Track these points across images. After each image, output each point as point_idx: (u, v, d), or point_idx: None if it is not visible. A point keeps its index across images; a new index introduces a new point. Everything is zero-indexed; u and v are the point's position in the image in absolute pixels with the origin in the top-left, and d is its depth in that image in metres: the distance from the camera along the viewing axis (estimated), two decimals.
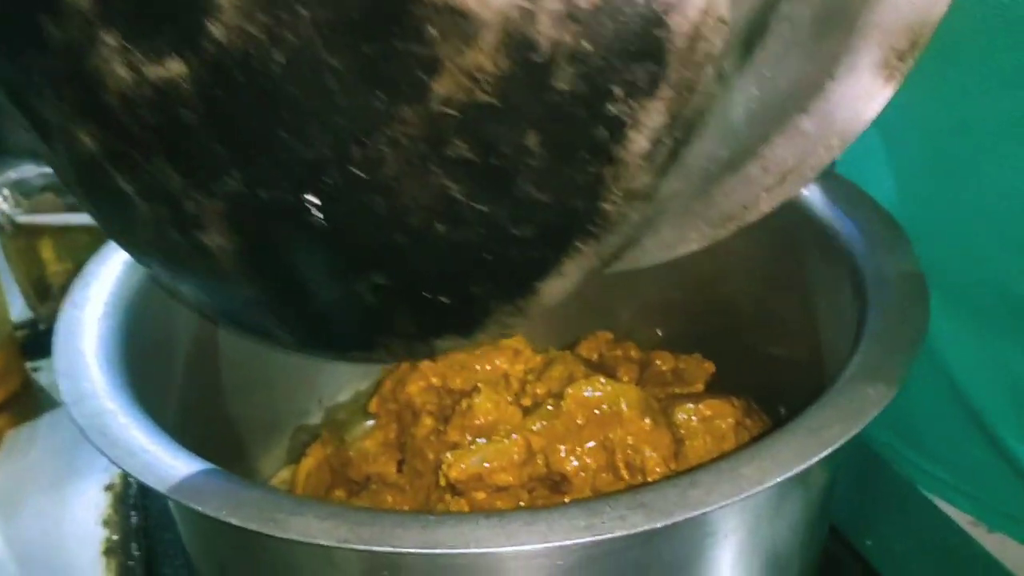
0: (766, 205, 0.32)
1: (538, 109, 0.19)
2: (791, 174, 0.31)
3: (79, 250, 0.68)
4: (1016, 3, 0.40)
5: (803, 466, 0.26)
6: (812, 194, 0.41)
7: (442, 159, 0.20)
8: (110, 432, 0.29)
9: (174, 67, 0.21)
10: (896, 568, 0.46)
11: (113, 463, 0.28)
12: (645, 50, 0.18)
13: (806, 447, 0.27)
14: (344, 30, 0.19)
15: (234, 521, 0.25)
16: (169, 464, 0.28)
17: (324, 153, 0.20)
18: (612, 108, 0.19)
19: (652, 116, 0.19)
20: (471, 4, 0.18)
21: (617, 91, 0.19)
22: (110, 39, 0.21)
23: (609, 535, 0.24)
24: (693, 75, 0.19)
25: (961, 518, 0.51)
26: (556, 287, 0.22)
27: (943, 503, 0.52)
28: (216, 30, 0.19)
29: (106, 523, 0.52)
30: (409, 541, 0.24)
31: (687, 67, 0.19)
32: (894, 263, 0.35)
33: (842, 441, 0.27)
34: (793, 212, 0.41)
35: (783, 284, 0.45)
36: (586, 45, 0.18)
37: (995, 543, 0.49)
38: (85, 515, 0.52)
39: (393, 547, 0.24)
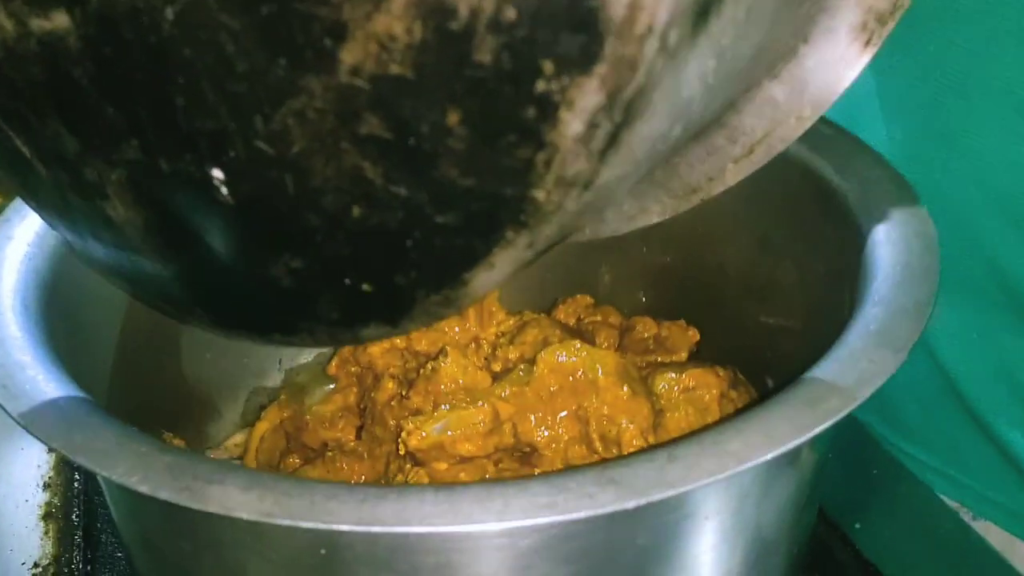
0: (732, 177, 0.31)
1: (458, 84, 0.17)
2: (759, 145, 0.30)
3: None
4: None
5: (797, 442, 0.23)
6: (811, 148, 0.38)
7: (354, 136, 0.18)
8: (14, 383, 0.26)
9: (59, 20, 0.19)
10: (885, 552, 0.43)
11: (14, 420, 0.24)
12: (577, 20, 0.16)
13: (801, 421, 0.23)
14: None
15: (144, 489, 0.22)
16: (78, 424, 0.24)
17: (226, 124, 0.19)
18: (541, 85, 0.17)
19: (587, 96, 0.17)
20: None
21: (547, 67, 0.17)
22: None
23: (574, 515, 0.21)
24: (633, 50, 0.17)
25: (947, 503, 0.49)
26: (486, 278, 0.20)
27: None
28: None
29: (47, 486, 0.48)
30: (344, 517, 0.21)
31: (626, 41, 0.16)
32: (901, 220, 0.32)
33: (842, 415, 0.24)
34: (791, 168, 0.38)
35: (777, 247, 0.41)
36: (510, 13, 0.16)
37: (979, 530, 0.47)
38: (25, 477, 0.49)
39: (325, 523, 0.21)
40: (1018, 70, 0.41)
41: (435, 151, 0.18)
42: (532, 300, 0.51)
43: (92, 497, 0.46)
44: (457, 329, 0.43)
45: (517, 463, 0.37)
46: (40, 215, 0.26)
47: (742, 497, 0.27)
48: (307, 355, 0.50)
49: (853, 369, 0.25)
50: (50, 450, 0.50)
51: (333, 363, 0.45)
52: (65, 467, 0.49)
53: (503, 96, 0.17)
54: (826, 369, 0.25)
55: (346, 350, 0.44)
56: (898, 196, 0.33)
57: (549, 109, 0.17)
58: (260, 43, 0.17)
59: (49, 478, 0.48)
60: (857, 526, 0.44)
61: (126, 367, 0.38)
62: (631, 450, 0.35)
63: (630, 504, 0.21)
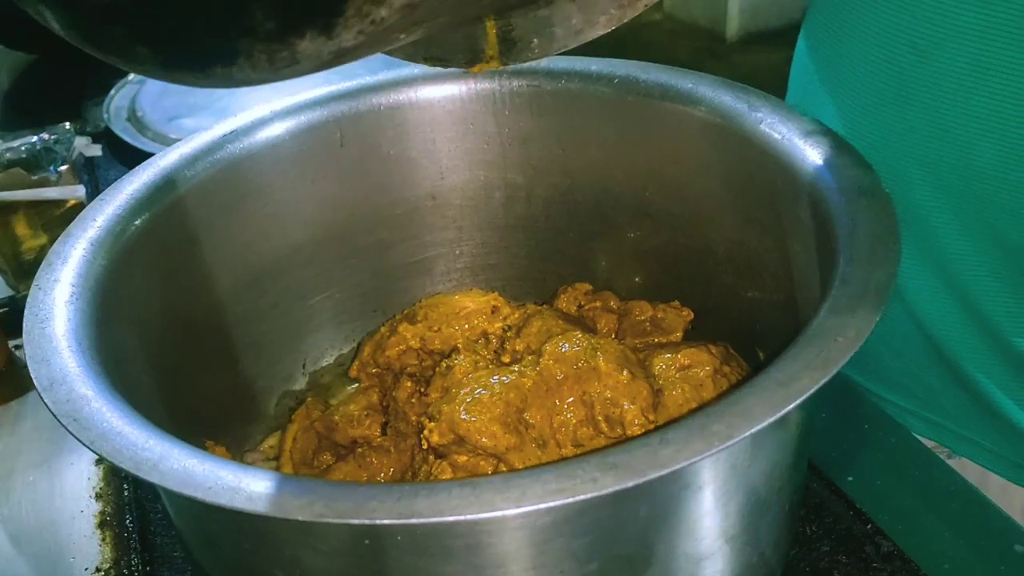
0: None
1: None
2: None
3: (53, 224, 0.67)
4: None
5: (771, 418, 0.26)
6: (788, 137, 0.41)
7: None
8: (82, 416, 0.29)
9: None
10: (878, 503, 0.46)
11: (87, 447, 0.28)
12: None
13: (775, 399, 0.27)
14: None
15: (208, 500, 0.25)
16: (143, 446, 0.28)
17: None
18: None
19: None
20: None
21: None
22: None
23: (582, 496, 0.25)
24: None
25: (927, 443, 0.52)
26: None
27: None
28: None
29: (99, 496, 0.52)
30: (384, 513, 0.25)
31: None
32: (864, 205, 0.35)
33: (810, 392, 0.27)
34: (763, 154, 0.41)
35: (758, 226, 0.44)
36: None
37: (956, 466, 0.50)
38: (78, 489, 0.53)
39: (369, 519, 0.25)
40: (972, 31, 0.43)
41: None
42: (534, 291, 0.54)
43: (143, 503, 0.50)
44: (467, 327, 0.47)
45: (533, 447, 0.40)
46: None
47: (732, 467, 0.30)
48: (329, 358, 0.54)
49: (822, 349, 0.28)
50: (98, 462, 0.54)
51: (355, 365, 0.48)
52: (114, 477, 0.53)
53: None
54: (798, 351, 0.29)
55: (365, 355, 0.48)
56: (863, 180, 0.36)
57: None
58: None
59: (100, 488, 0.52)
60: (850, 479, 0.48)
61: (168, 384, 0.41)
62: (634, 429, 0.39)
63: (629, 484, 0.25)
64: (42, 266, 0.36)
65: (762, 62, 2.60)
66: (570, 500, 0.24)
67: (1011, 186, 0.46)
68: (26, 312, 0.34)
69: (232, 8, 0.21)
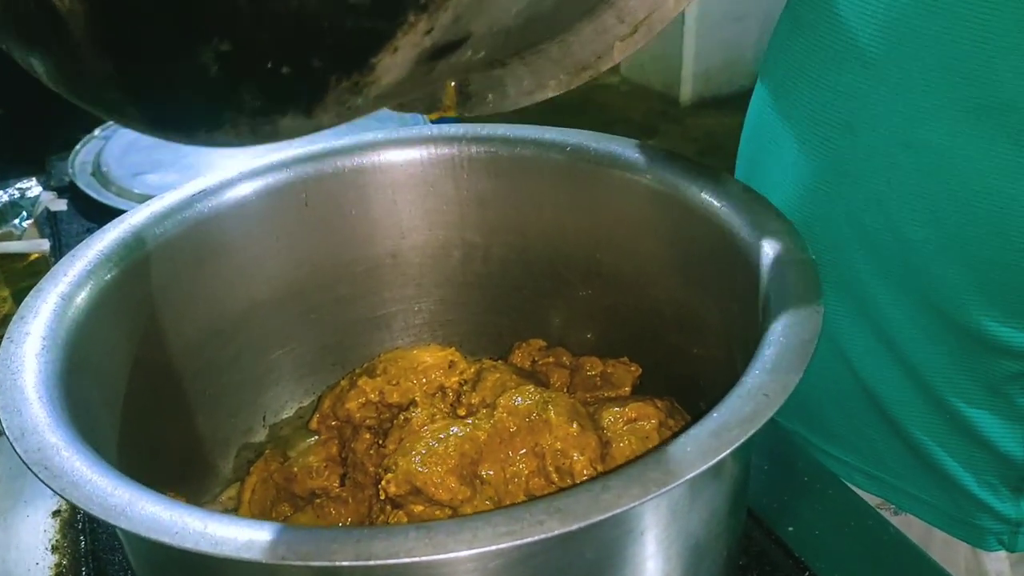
0: (619, 54, 0.33)
1: None
2: (642, 25, 0.32)
3: (15, 276, 0.68)
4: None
5: (705, 467, 0.29)
6: (726, 205, 0.44)
7: None
8: (53, 465, 0.30)
9: None
10: (817, 553, 0.49)
11: (58, 495, 0.29)
12: None
13: (708, 449, 0.29)
14: None
15: (175, 544, 0.27)
16: (111, 493, 0.29)
17: None
18: None
19: None
20: None
21: None
22: None
23: (529, 539, 0.27)
24: None
25: (869, 501, 0.54)
26: (390, 64, 0.23)
27: (854, 487, 0.55)
28: None
29: (55, 548, 0.52)
30: (345, 555, 0.26)
31: None
32: (792, 270, 0.37)
33: (740, 442, 0.29)
34: (708, 222, 0.44)
35: (700, 288, 0.47)
36: None
37: (900, 524, 0.53)
38: (33, 541, 0.53)
39: (330, 561, 0.26)
40: (901, 113, 0.47)
41: None
42: (490, 346, 0.57)
43: (100, 555, 0.50)
44: (424, 380, 0.48)
45: (483, 498, 0.42)
46: None
47: (671, 512, 0.33)
48: (289, 410, 0.55)
49: (750, 403, 0.31)
50: (55, 514, 0.54)
51: (315, 418, 0.49)
52: (70, 529, 0.53)
53: None
54: (730, 404, 0.31)
55: (325, 407, 0.49)
56: (792, 248, 0.39)
57: None
58: None
59: (56, 540, 0.52)
60: (790, 529, 0.50)
61: (131, 434, 0.42)
62: (583, 478, 0.41)
63: (573, 527, 0.27)
64: (14, 319, 0.38)
65: (714, 125, 2.70)
66: (518, 542, 0.26)
67: (940, 256, 0.49)
68: None
69: (223, 87, 0.23)
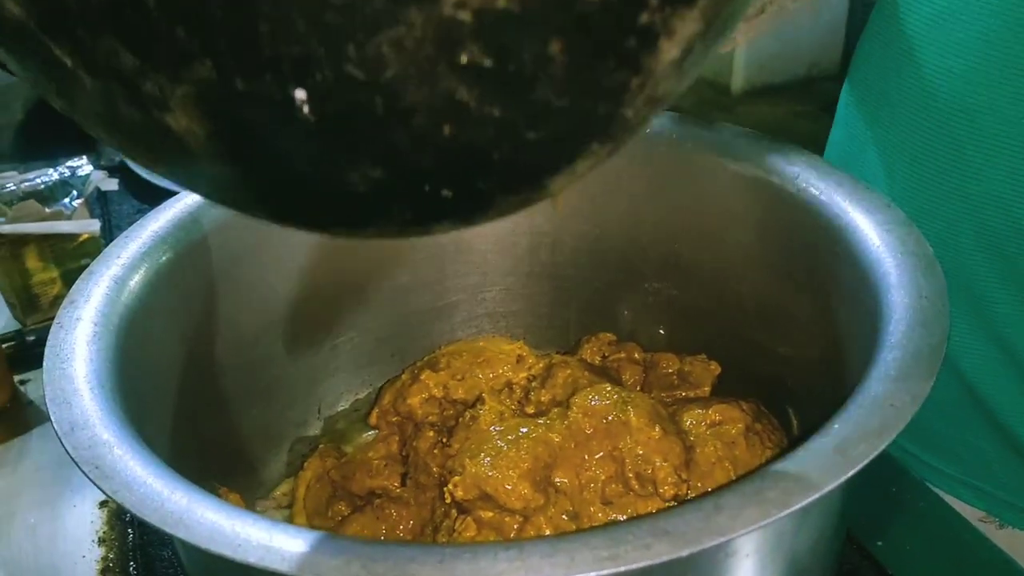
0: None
1: (564, 17, 0.17)
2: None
3: (64, 257, 0.66)
4: None
5: (830, 487, 0.25)
6: (827, 192, 0.40)
7: (452, 64, 0.18)
8: (105, 464, 0.28)
9: None
10: (908, 568, 0.45)
11: (109, 497, 0.27)
12: None
13: (832, 467, 0.26)
14: None
15: (237, 559, 0.24)
16: (167, 497, 0.27)
17: (315, 51, 0.18)
18: (645, 17, 0.17)
19: (687, 25, 0.18)
20: None
21: (652, 1, 0.17)
22: None
23: (634, 565, 0.23)
24: None
25: (971, 514, 0.51)
26: (566, 181, 0.21)
27: (953, 499, 0.51)
28: None
29: (102, 541, 0.50)
30: (425, 575, 0.23)
31: None
32: (912, 265, 0.34)
33: (868, 460, 0.26)
34: (807, 210, 0.41)
35: (792, 282, 0.44)
36: None
37: (1005, 538, 0.49)
38: (80, 533, 0.51)
39: None
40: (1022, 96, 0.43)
41: (534, 76, 0.18)
42: (556, 339, 0.53)
43: (148, 549, 0.48)
44: (491, 375, 0.45)
45: (558, 505, 0.39)
46: (75, 120, 0.24)
47: (779, 535, 0.29)
48: (344, 403, 0.53)
49: (876, 415, 0.27)
50: (102, 505, 0.52)
51: (374, 413, 0.47)
52: (118, 521, 0.51)
53: (607, 27, 0.17)
54: (852, 415, 0.28)
55: (385, 402, 0.46)
56: (909, 241, 0.35)
57: (650, 39, 0.18)
58: None
59: (104, 532, 0.50)
60: (879, 543, 0.46)
61: (183, 428, 0.40)
62: (666, 487, 0.37)
63: (684, 553, 0.24)
64: (64, 303, 0.35)
65: (766, 115, 2.63)
66: (622, 569, 0.23)
67: None
68: (47, 351, 0.33)
69: (370, 205, 0.21)
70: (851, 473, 0.26)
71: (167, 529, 0.26)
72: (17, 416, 0.59)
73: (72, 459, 0.28)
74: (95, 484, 0.27)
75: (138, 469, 0.28)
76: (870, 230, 0.36)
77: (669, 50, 0.18)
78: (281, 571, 0.24)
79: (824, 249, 0.39)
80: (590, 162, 0.21)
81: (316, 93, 0.19)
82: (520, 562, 0.23)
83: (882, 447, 0.26)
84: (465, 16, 0.17)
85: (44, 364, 0.32)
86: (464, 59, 0.18)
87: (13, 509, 0.53)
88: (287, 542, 0.25)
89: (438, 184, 0.20)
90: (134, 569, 0.48)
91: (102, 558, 0.49)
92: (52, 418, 0.30)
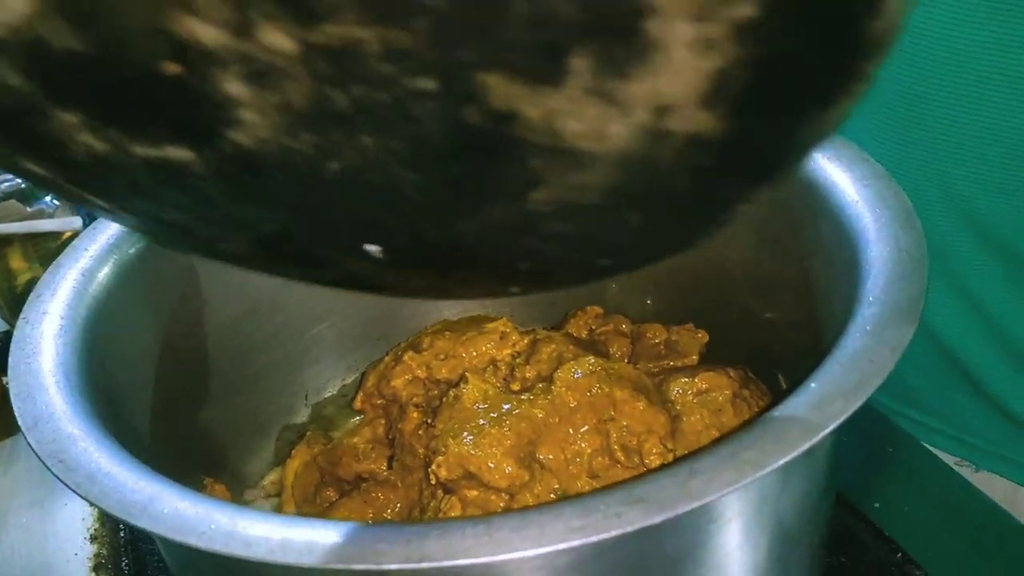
0: None
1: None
2: None
3: (49, 256, 0.66)
4: None
5: (807, 445, 0.24)
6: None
7: (535, 234, 0.19)
8: (68, 457, 0.27)
9: (177, 153, 0.16)
10: (905, 528, 0.44)
11: (73, 491, 0.26)
12: None
13: (809, 424, 0.25)
14: (422, 157, 0.16)
15: (201, 546, 0.24)
16: (132, 488, 0.26)
17: (392, 229, 0.18)
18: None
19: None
20: (585, 145, 0.15)
21: None
22: (70, 117, 0.16)
23: (607, 534, 0.23)
24: None
25: (947, 459, 0.51)
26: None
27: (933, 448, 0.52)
28: (240, 137, 0.16)
29: (94, 538, 0.50)
30: (393, 557, 0.23)
31: None
32: (889, 218, 0.33)
33: (846, 416, 0.25)
34: None
35: (777, 246, 0.43)
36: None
37: (981, 480, 0.49)
38: (72, 531, 0.51)
39: (376, 564, 0.23)
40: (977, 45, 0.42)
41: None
42: (543, 316, 0.53)
43: (139, 545, 0.48)
44: (474, 354, 0.45)
45: (543, 481, 0.38)
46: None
47: (762, 497, 0.28)
48: (331, 389, 0.52)
49: (855, 371, 0.27)
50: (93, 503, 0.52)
51: (359, 398, 0.46)
52: (109, 519, 0.51)
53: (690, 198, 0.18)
54: (829, 372, 0.27)
55: (369, 385, 0.46)
56: (886, 194, 0.34)
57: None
58: (443, 188, 0.17)
59: (95, 530, 0.50)
60: (876, 506, 0.46)
61: (163, 420, 0.39)
62: (652, 458, 0.37)
63: (657, 519, 0.23)
64: (30, 298, 0.35)
65: None
66: (593, 539, 0.23)
67: (1021, 197, 0.45)
68: (12, 346, 0.32)
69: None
70: (829, 430, 0.25)
71: (131, 520, 0.25)
72: (7, 417, 0.59)
73: (35, 453, 0.27)
74: (58, 478, 0.27)
75: (103, 461, 0.27)
76: (848, 186, 0.35)
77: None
78: (245, 557, 0.23)
79: (802, 207, 0.38)
80: None
81: (390, 251, 0.19)
82: (488, 537, 0.23)
83: (860, 402, 0.26)
84: (548, 208, 0.17)
85: (9, 360, 0.32)
86: (545, 232, 0.18)
87: (5, 509, 0.53)
88: (252, 527, 0.24)
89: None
90: (126, 565, 0.47)
91: (94, 555, 0.49)
92: (16, 412, 0.29)
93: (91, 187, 0.19)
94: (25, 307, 0.35)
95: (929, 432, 0.55)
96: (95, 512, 0.51)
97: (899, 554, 0.43)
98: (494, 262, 0.20)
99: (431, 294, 0.25)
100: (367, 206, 0.17)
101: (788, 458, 0.24)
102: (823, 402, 0.26)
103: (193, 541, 0.24)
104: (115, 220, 0.23)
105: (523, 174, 0.16)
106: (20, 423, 0.29)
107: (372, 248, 0.19)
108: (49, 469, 0.27)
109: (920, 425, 0.55)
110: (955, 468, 0.50)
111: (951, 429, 0.55)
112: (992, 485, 0.51)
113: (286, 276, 0.24)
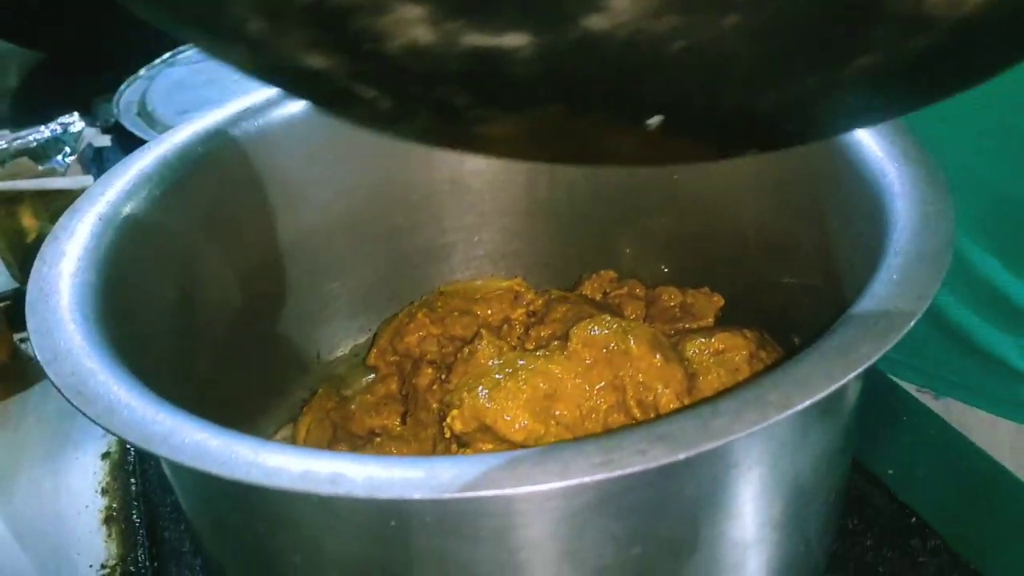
0: None
1: None
2: None
3: (60, 215, 0.65)
4: None
5: (832, 388, 0.24)
6: None
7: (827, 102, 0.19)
8: (87, 390, 0.27)
9: (512, 40, 0.16)
10: (920, 494, 0.44)
11: (93, 421, 0.26)
12: None
13: (834, 368, 0.25)
14: (775, 31, 0.16)
15: (223, 475, 0.23)
16: (152, 419, 0.26)
17: (690, 103, 0.18)
18: None
19: None
20: (939, 11, 0.15)
21: None
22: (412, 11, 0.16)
23: (629, 470, 0.23)
24: None
25: (908, 387, 0.53)
26: None
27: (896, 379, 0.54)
28: (596, 22, 0.15)
29: (105, 491, 0.50)
30: (418, 487, 0.23)
31: None
32: (912, 170, 0.33)
33: (872, 360, 0.25)
34: None
35: (793, 208, 0.42)
36: None
37: (942, 407, 0.52)
38: (83, 485, 0.51)
39: (401, 494, 0.23)
40: None
41: None
42: (556, 279, 0.53)
43: (151, 497, 0.48)
44: (489, 312, 0.45)
45: (558, 436, 0.38)
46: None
47: (781, 446, 0.28)
48: (343, 348, 0.52)
49: (881, 317, 0.26)
50: (104, 456, 0.52)
51: (372, 354, 0.46)
52: (120, 472, 0.51)
53: None
54: (855, 318, 0.27)
55: (383, 342, 0.46)
56: (907, 147, 0.34)
57: None
58: (775, 64, 0.17)
59: (106, 483, 0.50)
60: (891, 472, 0.46)
61: (175, 373, 0.39)
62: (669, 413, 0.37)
63: (680, 456, 0.23)
64: (47, 240, 0.35)
65: None
66: (617, 473, 0.22)
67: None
68: (29, 285, 0.32)
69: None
70: (854, 373, 0.25)
71: (152, 449, 0.25)
72: (18, 373, 0.59)
73: (55, 386, 0.27)
74: (78, 409, 0.27)
75: (122, 394, 0.27)
76: (871, 143, 0.35)
77: None
78: (267, 485, 0.23)
79: (821, 164, 0.38)
80: None
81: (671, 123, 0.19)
82: (510, 469, 0.23)
83: (887, 347, 0.25)
84: None
85: (27, 298, 0.32)
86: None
87: (17, 464, 0.53)
88: (273, 457, 0.24)
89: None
90: (137, 517, 0.47)
91: (105, 507, 0.49)
92: (35, 348, 0.29)
93: (375, 80, 0.18)
94: (42, 248, 0.34)
95: (890, 363, 0.56)
96: (107, 466, 0.51)
97: (913, 519, 0.42)
98: (765, 130, 0.20)
99: (649, 161, 0.25)
100: (682, 83, 0.17)
101: (812, 400, 0.24)
102: (848, 347, 0.26)
103: (215, 470, 0.24)
104: (336, 109, 0.21)
105: (863, 42, 0.16)
106: (39, 357, 0.29)
107: (653, 120, 0.19)
108: (69, 401, 0.27)
109: (886, 358, 0.57)
110: (916, 394, 0.52)
111: (911, 359, 0.57)
112: (948, 411, 0.53)
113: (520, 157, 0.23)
